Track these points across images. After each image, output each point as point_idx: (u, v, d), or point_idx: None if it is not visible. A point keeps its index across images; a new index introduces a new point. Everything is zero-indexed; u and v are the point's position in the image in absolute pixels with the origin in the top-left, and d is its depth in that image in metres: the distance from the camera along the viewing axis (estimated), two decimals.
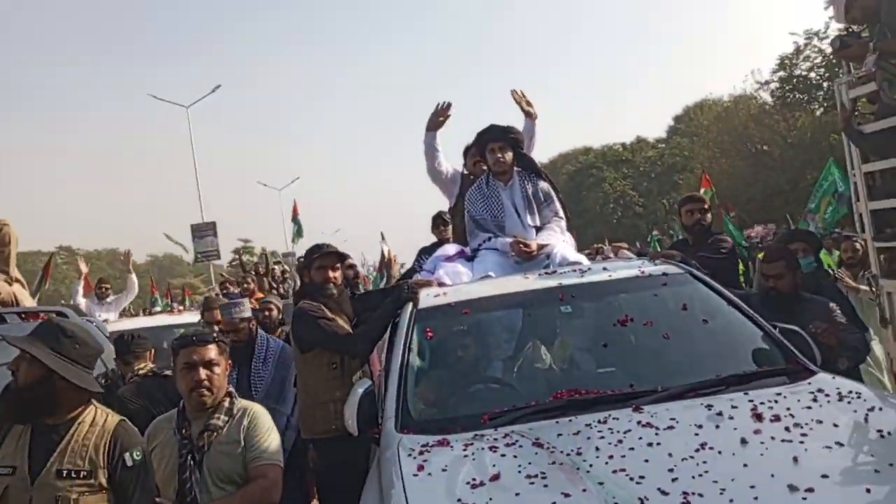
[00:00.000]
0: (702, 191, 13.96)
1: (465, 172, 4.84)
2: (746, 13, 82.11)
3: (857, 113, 4.92)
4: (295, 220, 19.17)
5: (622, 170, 44.97)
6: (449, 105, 4.58)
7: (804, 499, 1.73)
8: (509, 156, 3.98)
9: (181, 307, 13.54)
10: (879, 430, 2.08)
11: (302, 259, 13.72)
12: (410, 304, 3.22)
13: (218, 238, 20.13)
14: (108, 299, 8.51)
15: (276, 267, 13.95)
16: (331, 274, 3.50)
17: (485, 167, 4.34)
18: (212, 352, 2.67)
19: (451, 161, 4.83)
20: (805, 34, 26.98)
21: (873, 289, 5.14)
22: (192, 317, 7.87)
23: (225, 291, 8.90)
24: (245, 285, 8.40)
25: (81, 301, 8.81)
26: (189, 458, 2.57)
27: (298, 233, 19.17)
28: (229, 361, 2.84)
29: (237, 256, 32.02)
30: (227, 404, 2.69)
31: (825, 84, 27.24)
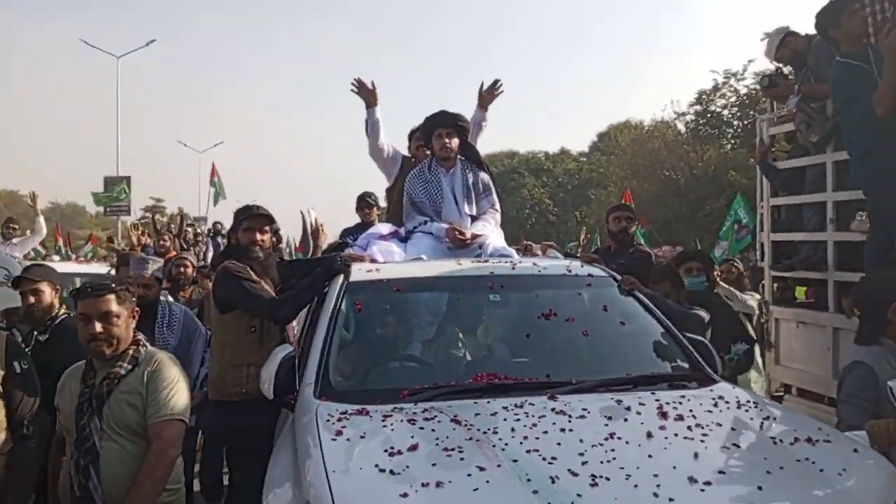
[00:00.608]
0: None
1: (408, 155, 4.86)
2: (678, 44, 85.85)
3: (773, 149, 5.27)
4: (213, 182, 18.60)
5: (542, 178, 46.58)
6: (372, 82, 4.54)
7: (702, 490, 1.85)
8: (455, 143, 4.03)
9: (81, 258, 12.94)
10: (772, 437, 2.25)
11: (218, 223, 13.43)
12: (341, 277, 3.20)
13: (131, 193, 19.28)
14: (14, 240, 8.03)
15: (188, 229, 13.52)
16: (258, 236, 3.43)
17: (428, 152, 4.37)
18: (110, 303, 2.59)
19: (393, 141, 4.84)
20: (724, 73, 28.73)
21: (764, 313, 5.55)
22: (99, 267, 7.53)
23: (141, 246, 8.56)
24: (161, 242, 8.12)
25: None
26: (87, 405, 2.53)
27: (217, 196, 18.63)
28: (135, 309, 2.75)
29: (147, 214, 30.80)
30: (131, 352, 2.63)
31: (735, 122, 29.19)
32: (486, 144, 4.55)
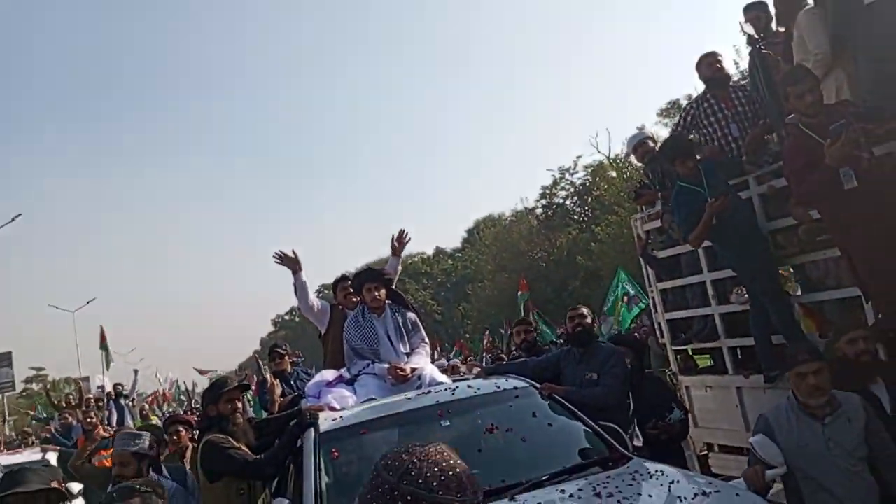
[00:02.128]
0: (519, 293, 15.65)
1: (335, 303, 5.51)
2: (522, 140, 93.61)
3: (649, 242, 6.20)
4: (103, 346, 18.42)
5: (422, 281, 48.54)
6: (283, 253, 5.24)
7: None
8: (383, 293, 4.73)
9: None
10: (678, 496, 2.99)
11: (118, 385, 13.14)
12: (311, 430, 3.73)
13: (12, 369, 18.51)
14: None
15: (89, 396, 13.13)
16: (238, 404, 3.92)
17: (354, 300, 5.05)
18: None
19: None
20: (559, 170, 33.55)
21: (674, 383, 6.19)
22: (31, 454, 7.37)
23: (63, 422, 8.39)
24: (89, 419, 8.05)
25: None
26: None
27: (108, 358, 18.36)
28: None
29: (30, 386, 28.96)
30: None
31: (577, 209, 32.92)
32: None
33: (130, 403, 11.53)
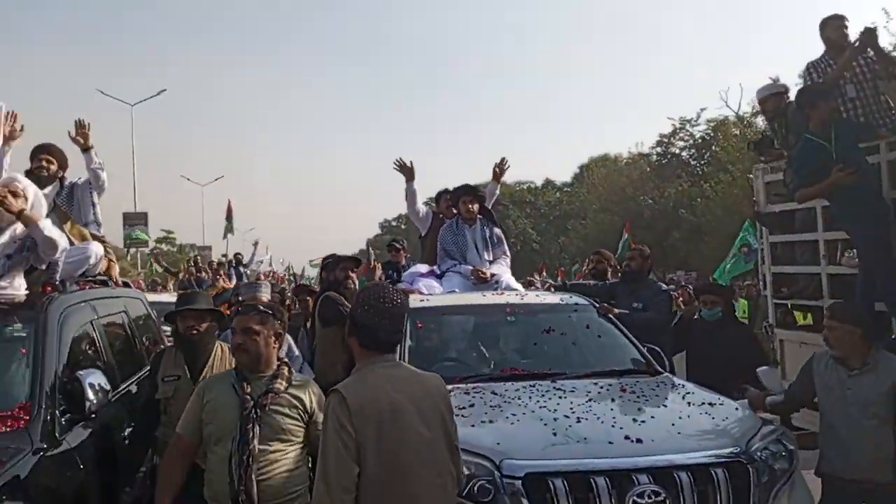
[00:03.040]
0: (625, 236, 15.95)
1: (436, 211, 6.34)
2: (657, 82, 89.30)
3: (771, 195, 5.92)
4: (228, 218, 20.50)
5: (525, 210, 48.70)
6: (403, 161, 6.03)
7: (640, 425, 3.24)
8: (476, 207, 5.51)
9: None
10: (687, 402, 3.66)
11: (238, 254, 14.77)
12: None
13: (148, 227, 21.13)
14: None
15: (212, 260, 14.93)
16: (351, 274, 4.90)
17: (454, 211, 5.86)
18: (253, 322, 2.99)
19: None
20: (680, 120, 31.74)
21: (769, 335, 6.04)
22: (168, 296, 8.88)
23: (193, 276, 9.91)
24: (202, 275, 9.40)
25: None
26: (250, 413, 2.85)
27: (229, 229, 20.49)
28: (278, 333, 3.08)
29: (160, 246, 32.54)
30: (286, 373, 3.01)
31: (693, 163, 31.54)
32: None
33: (248, 272, 13.10)
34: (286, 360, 3.08)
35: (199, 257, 14.08)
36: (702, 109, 31.40)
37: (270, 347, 3.02)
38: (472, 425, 3.23)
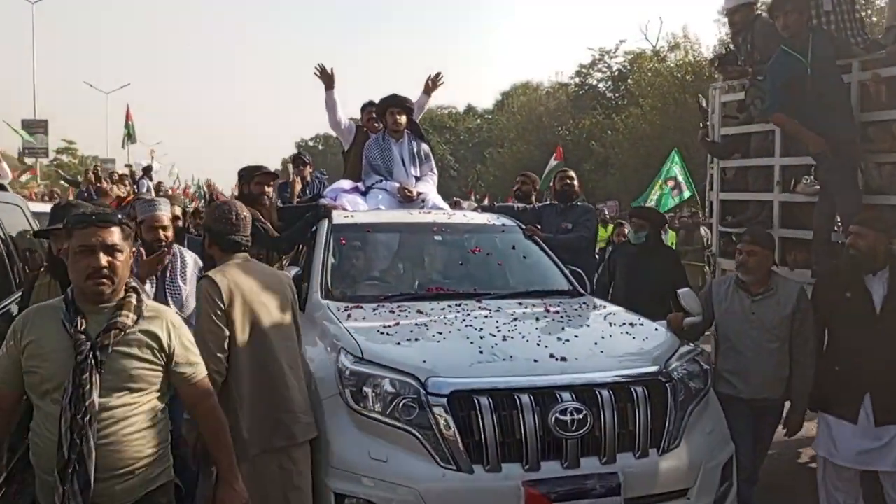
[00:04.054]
0: (553, 161, 15.91)
1: (359, 125, 6.05)
2: (584, 9, 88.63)
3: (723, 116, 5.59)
4: (127, 124, 19.10)
5: (445, 135, 48.51)
6: (324, 67, 5.66)
7: (564, 343, 3.25)
8: (403, 119, 5.26)
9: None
10: (609, 322, 3.70)
11: (149, 165, 13.98)
12: (326, 220, 4.43)
13: (48, 136, 19.47)
14: None
15: (119, 172, 14.05)
16: (266, 189, 4.60)
17: (377, 124, 5.59)
18: (115, 234, 2.23)
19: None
20: (599, 51, 32.27)
21: (711, 264, 6.01)
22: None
23: (97, 186, 9.24)
24: (100, 185, 8.80)
25: None
26: (87, 358, 2.14)
27: (129, 138, 19.17)
28: (134, 250, 2.56)
29: (59, 157, 30.34)
30: (134, 301, 2.27)
31: (609, 94, 32.06)
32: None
33: (150, 185, 12.39)
34: (134, 283, 2.35)
35: (98, 167, 13.12)
36: (621, 41, 32.13)
37: (128, 270, 2.31)
38: (398, 343, 3.14)
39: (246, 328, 2.85)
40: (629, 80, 30.67)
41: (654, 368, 3.18)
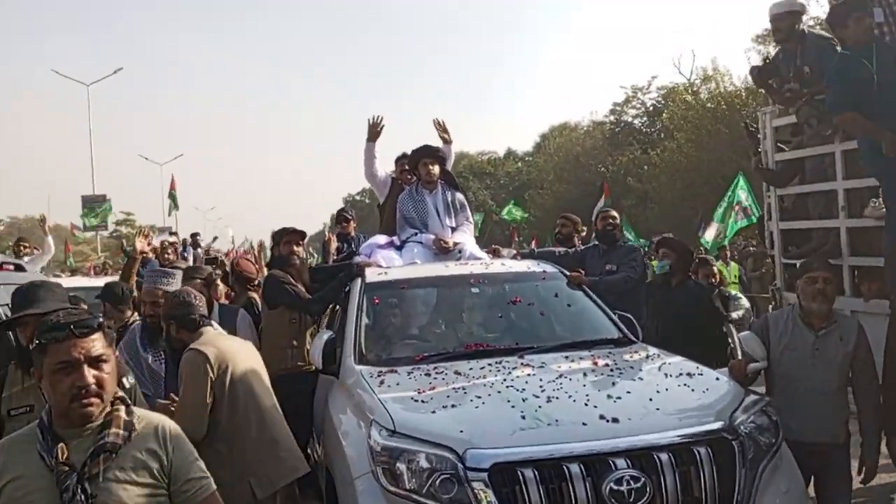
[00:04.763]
0: (602, 199, 15.68)
1: (394, 177, 5.95)
2: (612, 52, 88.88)
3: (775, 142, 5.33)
4: (171, 194, 19.73)
5: (485, 181, 49.11)
6: (381, 118, 5.64)
7: (615, 402, 2.98)
8: (437, 170, 5.13)
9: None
10: (665, 373, 3.40)
11: (196, 234, 14.26)
12: (359, 279, 4.28)
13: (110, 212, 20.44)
14: (26, 258, 8.75)
15: (165, 238, 14.38)
16: (295, 248, 4.50)
17: (410, 176, 5.47)
18: (99, 343, 1.89)
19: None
20: (632, 88, 32.78)
21: (776, 299, 5.57)
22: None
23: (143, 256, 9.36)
24: (166, 256, 8.96)
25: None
26: (74, 493, 1.79)
27: (174, 206, 19.81)
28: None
29: (119, 228, 31.77)
30: (123, 414, 1.92)
31: (645, 130, 33.65)
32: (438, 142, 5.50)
33: (200, 252, 12.55)
34: (121, 393, 1.98)
35: (150, 233, 13.47)
36: (653, 77, 32.60)
37: (116, 381, 1.97)
38: (433, 411, 2.92)
39: (244, 386, 3.14)
40: (664, 115, 30.95)
41: (718, 424, 2.88)
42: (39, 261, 9.01)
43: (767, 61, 5.54)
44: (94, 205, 19.71)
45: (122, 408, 1.93)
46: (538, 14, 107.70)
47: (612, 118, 36.25)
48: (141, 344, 3.70)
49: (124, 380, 2.61)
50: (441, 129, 5.74)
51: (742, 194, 10.58)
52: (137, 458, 1.88)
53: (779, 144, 5.36)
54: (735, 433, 2.87)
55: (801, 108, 4.90)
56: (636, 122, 35.34)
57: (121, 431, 1.87)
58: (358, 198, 62.15)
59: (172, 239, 13.13)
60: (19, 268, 4.01)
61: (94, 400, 1.85)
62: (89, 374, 1.84)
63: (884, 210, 4.25)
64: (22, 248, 8.92)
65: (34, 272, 8.26)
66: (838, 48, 4.43)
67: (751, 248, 11.37)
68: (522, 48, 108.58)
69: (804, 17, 5.13)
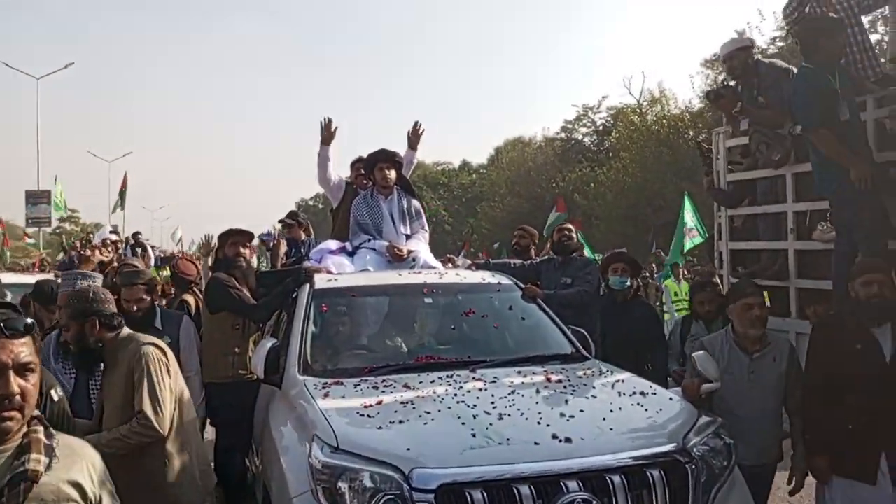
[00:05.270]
0: (555, 213, 15.73)
1: (349, 181, 5.79)
2: (567, 66, 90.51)
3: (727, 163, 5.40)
4: (121, 192, 19.17)
5: (439, 191, 49.63)
6: (331, 121, 5.48)
7: (568, 420, 2.88)
8: (393, 175, 4.99)
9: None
10: (618, 392, 3.33)
11: (138, 233, 13.78)
12: (308, 285, 4.10)
13: (51, 206, 19.62)
14: None
15: (107, 238, 13.87)
16: (242, 250, 4.29)
17: (366, 181, 5.32)
18: (28, 348, 1.66)
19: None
20: (583, 107, 34.15)
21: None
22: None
23: (80, 253, 8.93)
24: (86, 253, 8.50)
25: None
26: None
27: (120, 205, 19.24)
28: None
29: (62, 225, 30.71)
30: (42, 438, 1.66)
31: (594, 148, 34.73)
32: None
33: (147, 253, 12.08)
34: (39, 413, 1.73)
35: (91, 234, 12.93)
36: (603, 97, 34.44)
37: (37, 394, 1.72)
38: (379, 427, 2.77)
39: (180, 389, 3.10)
40: (612, 134, 31.91)
41: (670, 446, 2.81)
42: None
43: (725, 85, 5.64)
44: (38, 200, 19.00)
45: (41, 429, 1.67)
46: (501, 27, 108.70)
47: (563, 135, 37.10)
48: (54, 354, 3.41)
49: (52, 392, 2.40)
50: (415, 132, 5.61)
51: (688, 215, 10.80)
52: (60, 490, 1.62)
53: (730, 166, 5.45)
54: (688, 456, 2.80)
55: (752, 135, 4.99)
56: (586, 140, 36.26)
57: (42, 457, 1.61)
58: (311, 203, 61.45)
59: (114, 237, 12.65)
60: None
61: (15, 413, 1.60)
62: (15, 382, 1.59)
63: (833, 233, 4.30)
64: None
65: None
66: (794, 69, 4.51)
67: (698, 267, 11.58)
68: (487, 60, 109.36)
69: (753, 50, 5.28)
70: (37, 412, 1.73)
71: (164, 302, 5.48)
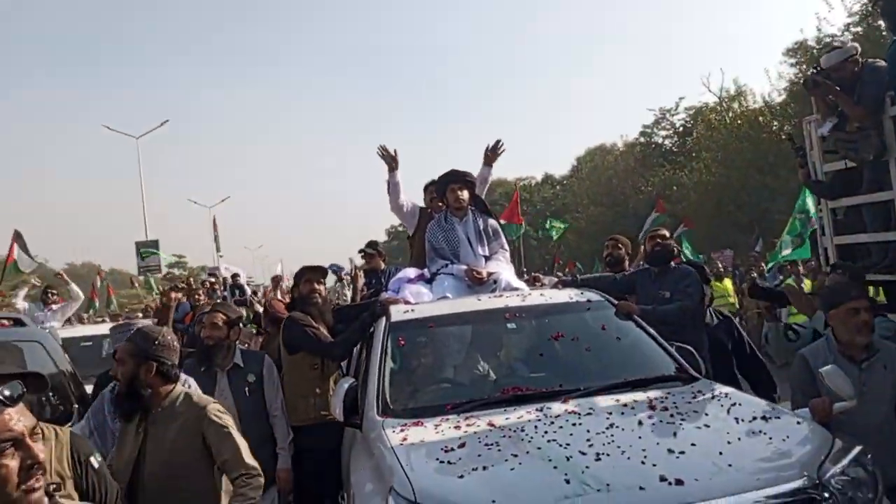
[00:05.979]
0: (654, 214, 15.15)
1: (423, 206, 5.60)
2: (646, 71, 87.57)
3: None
4: (215, 237, 19.96)
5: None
6: (394, 150, 5.32)
7: (677, 458, 2.52)
8: (466, 196, 4.75)
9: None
10: (735, 417, 2.91)
11: (236, 275, 14.21)
12: (384, 318, 3.91)
13: (159, 254, 20.79)
14: (54, 306, 8.72)
15: (205, 278, 14.38)
16: (316, 286, 4.17)
17: (440, 203, 5.10)
18: (25, 420, 1.49)
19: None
20: (660, 110, 34.52)
21: None
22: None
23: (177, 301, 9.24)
24: (196, 297, 8.81)
25: (23, 306, 8.94)
26: None
27: (216, 248, 20.02)
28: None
29: (171, 270, 32.81)
30: None
31: (675, 150, 33.73)
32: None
33: (248, 295, 12.41)
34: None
35: (191, 279, 13.46)
36: (680, 98, 33.96)
37: None
38: (461, 476, 2.50)
39: None
40: (693, 135, 31.38)
41: (803, 481, 2.40)
42: (68, 309, 8.97)
43: (819, 70, 5.00)
44: (147, 250, 20.13)
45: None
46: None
47: (642, 140, 36.48)
48: (111, 412, 3.29)
49: (92, 459, 2.27)
50: (494, 150, 5.38)
51: (810, 204, 9.88)
52: None
53: (827, 154, 4.91)
54: (826, 490, 2.38)
55: (837, 141, 4.63)
56: (667, 142, 35.51)
57: None
58: (401, 229, 62.43)
59: (212, 279, 13.10)
60: (19, 322, 3.78)
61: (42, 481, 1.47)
62: (37, 448, 1.46)
63: None
64: (49, 296, 8.90)
65: (51, 322, 8.22)
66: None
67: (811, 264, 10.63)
68: (559, 72, 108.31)
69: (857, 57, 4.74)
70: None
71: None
